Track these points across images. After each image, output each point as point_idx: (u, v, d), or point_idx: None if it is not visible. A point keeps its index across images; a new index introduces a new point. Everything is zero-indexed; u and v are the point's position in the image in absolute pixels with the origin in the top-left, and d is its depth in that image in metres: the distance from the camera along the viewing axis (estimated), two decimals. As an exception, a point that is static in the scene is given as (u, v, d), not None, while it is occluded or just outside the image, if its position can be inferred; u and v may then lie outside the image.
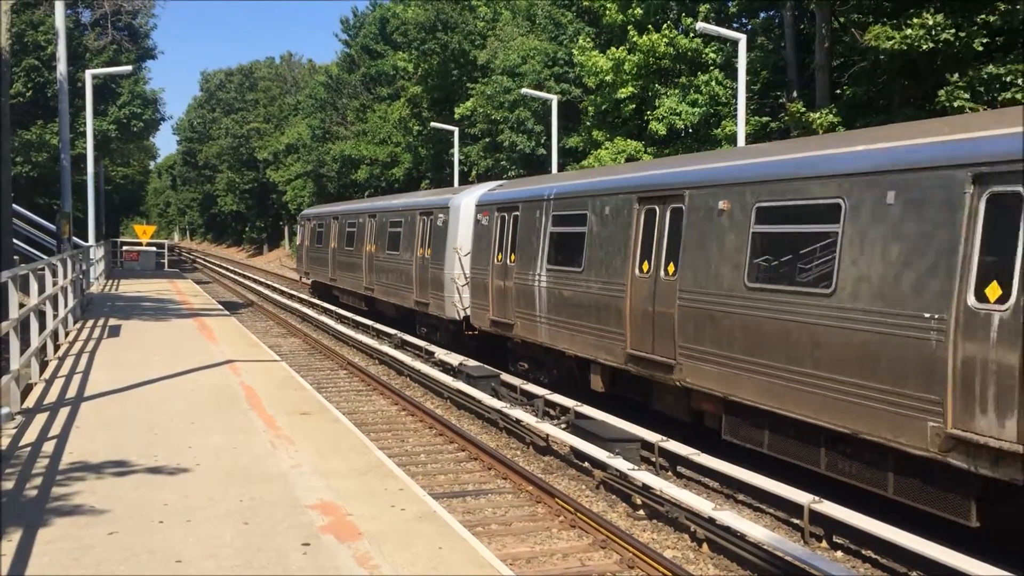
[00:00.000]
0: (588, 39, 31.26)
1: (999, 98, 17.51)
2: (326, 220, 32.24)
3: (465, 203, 19.10)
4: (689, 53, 27.28)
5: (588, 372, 13.66)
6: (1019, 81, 17.35)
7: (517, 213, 16.18)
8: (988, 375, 7.07)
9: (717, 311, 10.35)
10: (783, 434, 9.56)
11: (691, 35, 26.98)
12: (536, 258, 15.12)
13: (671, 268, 11.40)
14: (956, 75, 18.10)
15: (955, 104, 17.62)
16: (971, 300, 7.28)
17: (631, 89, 27.99)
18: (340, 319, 26.66)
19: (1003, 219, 7.15)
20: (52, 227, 29.30)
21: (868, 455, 8.45)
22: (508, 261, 16.33)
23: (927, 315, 7.62)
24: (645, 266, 12.00)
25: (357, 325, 25.03)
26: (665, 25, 27.44)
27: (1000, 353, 6.97)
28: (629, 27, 27.92)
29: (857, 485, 8.70)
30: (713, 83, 26.41)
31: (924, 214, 7.85)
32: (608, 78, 28.21)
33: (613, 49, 28.18)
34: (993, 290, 7.14)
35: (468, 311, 18.42)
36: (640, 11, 28.07)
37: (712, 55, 27.12)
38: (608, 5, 28.59)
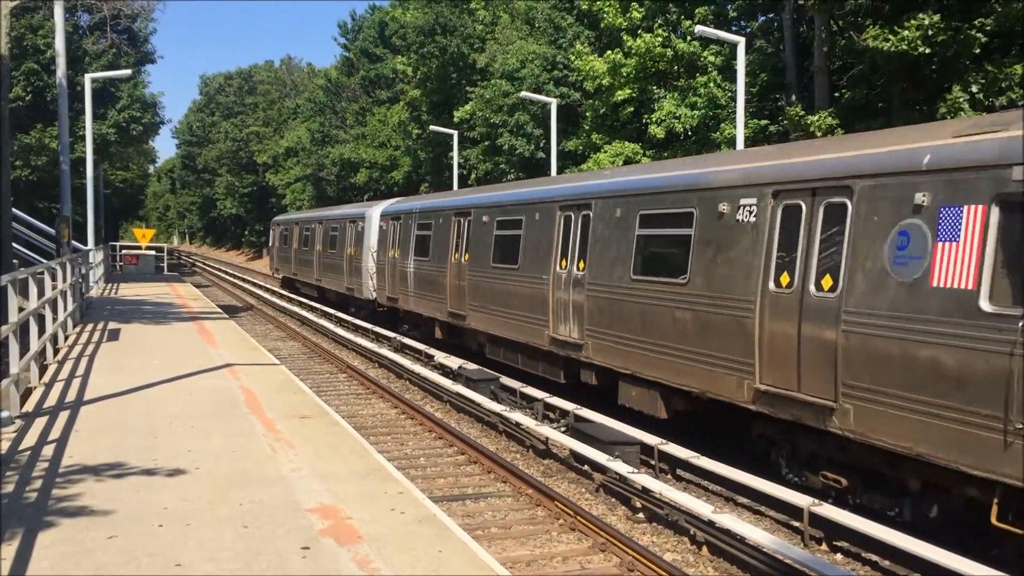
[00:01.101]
0: (585, 44, 31.30)
1: (997, 102, 17.52)
2: (290, 226, 39.28)
3: (375, 214, 25.69)
4: (687, 56, 27.30)
5: (436, 327, 20.40)
6: (1015, 81, 17.36)
7: (400, 222, 22.99)
8: (560, 306, 13.97)
9: (482, 281, 17.26)
10: (507, 348, 16.46)
11: (688, 38, 27.01)
12: (409, 252, 21.95)
13: (467, 256, 18.13)
14: (958, 87, 18.12)
15: (959, 115, 17.61)
16: (557, 268, 14.21)
17: (628, 92, 28.02)
18: (340, 323, 26.67)
19: (571, 226, 13.99)
20: (51, 231, 29.33)
21: (532, 353, 15.29)
22: (395, 255, 23.06)
23: (543, 276, 14.58)
24: (456, 255, 18.77)
25: (356, 329, 25.04)
26: (658, 25, 27.44)
27: (563, 294, 13.93)
28: (623, 32, 27.94)
29: (525, 370, 15.62)
30: (711, 85, 26.43)
31: (544, 224, 14.83)
32: (605, 81, 28.24)
33: (610, 52, 28.21)
34: (564, 263, 14.04)
35: (375, 292, 25.15)
36: (639, 14, 28.09)
37: (711, 58, 27.14)
38: (607, 9, 28.62)
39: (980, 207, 7.24)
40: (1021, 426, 6.65)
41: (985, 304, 7.06)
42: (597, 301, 12.84)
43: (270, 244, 46.07)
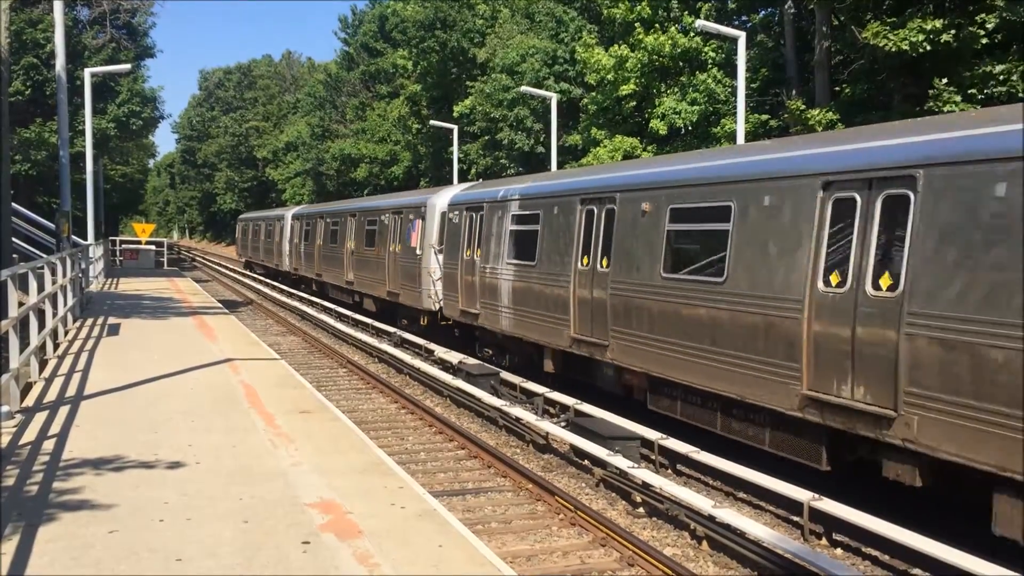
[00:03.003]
0: (592, 36, 31.21)
1: (995, 95, 17.48)
2: (247, 222, 54.39)
3: (291, 215, 39.01)
4: (690, 52, 27.24)
5: (312, 283, 34.10)
6: (1014, 78, 17.33)
7: (300, 221, 36.32)
8: (348, 262, 27.52)
9: (326, 255, 30.93)
10: (336, 290, 29.95)
11: (691, 34, 26.94)
12: (302, 240, 35.28)
13: (320, 243, 31.74)
14: (945, 79, 18.08)
15: (945, 108, 17.55)
16: (348, 246, 27.45)
17: (632, 87, 27.96)
18: (339, 317, 26.68)
19: (348, 226, 27.80)
20: (51, 226, 29.27)
21: (340, 290, 28.94)
22: (297, 242, 36.58)
23: (343, 250, 28.21)
24: (318, 242, 31.91)
25: (356, 323, 25.05)
26: (673, 27, 27.37)
27: (347, 258, 27.67)
28: (636, 24, 27.79)
29: (339, 299, 29.56)
30: (710, 81, 26.37)
31: (341, 225, 29.00)
32: (610, 76, 28.17)
33: (616, 47, 28.14)
34: (349, 243, 27.47)
35: (289, 266, 38.51)
36: (648, 10, 27.99)
37: (711, 54, 27.08)
38: (619, 5, 28.45)
39: (419, 220, 20.79)
40: (432, 296, 19.70)
41: (418, 251, 20.44)
42: (358, 261, 26.21)
43: (236, 236, 62.25)
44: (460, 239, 17.84)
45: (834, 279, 8.63)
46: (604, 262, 12.49)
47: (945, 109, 17.51)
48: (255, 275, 46.62)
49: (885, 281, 8.08)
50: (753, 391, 9.45)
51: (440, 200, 20.15)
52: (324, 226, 31.23)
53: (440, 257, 19.24)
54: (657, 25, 27.47)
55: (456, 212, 18.45)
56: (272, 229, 42.46)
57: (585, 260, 13.05)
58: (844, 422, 8.40)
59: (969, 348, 7.12)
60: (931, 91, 18.06)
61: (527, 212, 15.17)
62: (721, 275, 10.01)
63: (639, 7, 28.06)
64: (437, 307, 19.52)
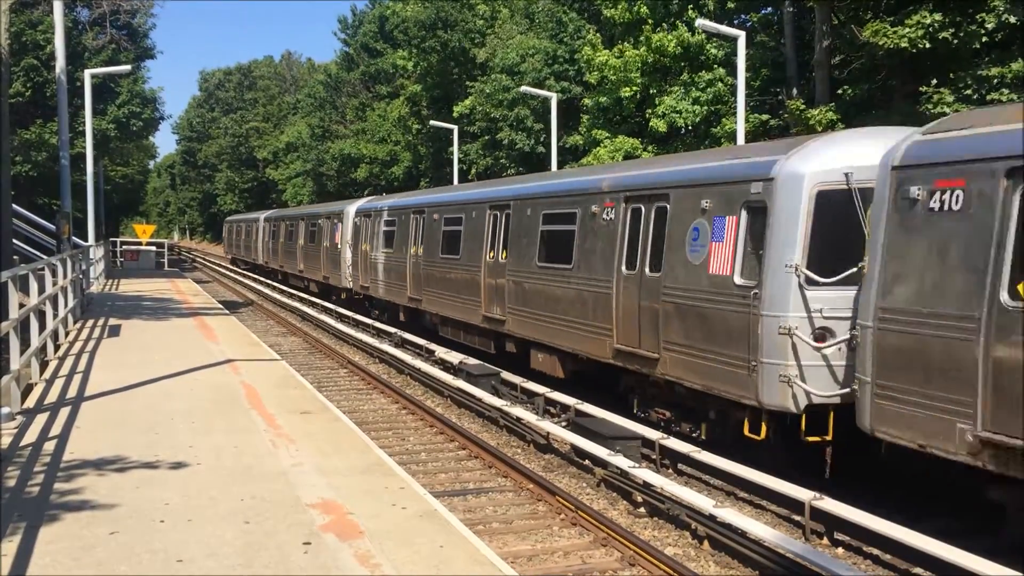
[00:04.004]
0: (596, 35, 31.17)
1: (988, 98, 17.44)
2: (231, 223, 63.72)
3: (263, 218, 46.17)
4: (693, 49, 27.17)
5: (278, 274, 40.97)
6: (1008, 79, 17.30)
7: (270, 223, 42.94)
8: (303, 255, 35.60)
9: (287, 249, 38.99)
10: (299, 278, 36.57)
11: (694, 31, 26.88)
12: (269, 237, 43.12)
13: (281, 241, 39.97)
14: (935, 81, 18.05)
15: (935, 111, 17.47)
16: (302, 242, 36.37)
17: (635, 87, 27.91)
18: (340, 318, 26.68)
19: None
20: (52, 227, 29.27)
21: (289, 275, 38.72)
22: (267, 239, 43.76)
23: (297, 246, 36.88)
24: (282, 240, 39.75)
25: (357, 324, 25.04)
26: (680, 26, 27.32)
27: (294, 249, 37.45)
28: (649, 21, 27.68)
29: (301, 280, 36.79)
30: (719, 84, 26.27)
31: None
32: (613, 77, 28.12)
33: (619, 46, 28.07)
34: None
35: (263, 259, 45.35)
36: (646, 9, 27.93)
37: (714, 51, 27.01)
38: (618, 6, 28.39)
39: (339, 223, 28.79)
40: (347, 278, 27.73)
41: (339, 246, 28.45)
42: (305, 254, 33.53)
43: (223, 235, 71.39)
44: (360, 236, 26.25)
45: (490, 254, 16.63)
46: (421, 249, 20.50)
47: (936, 111, 17.42)
48: (252, 274, 49.13)
49: (503, 255, 16.02)
50: (468, 316, 17.47)
51: (351, 209, 28.24)
52: (285, 227, 39.33)
53: (351, 249, 27.39)
54: (664, 24, 27.42)
55: (359, 218, 26.81)
56: (250, 229, 51.63)
57: (414, 249, 21.03)
58: (494, 326, 16.29)
59: (519, 283, 15.18)
60: (922, 95, 18.01)
61: (391, 218, 23.34)
62: (458, 253, 18.00)
63: (636, 6, 28.00)
64: (351, 285, 27.49)
